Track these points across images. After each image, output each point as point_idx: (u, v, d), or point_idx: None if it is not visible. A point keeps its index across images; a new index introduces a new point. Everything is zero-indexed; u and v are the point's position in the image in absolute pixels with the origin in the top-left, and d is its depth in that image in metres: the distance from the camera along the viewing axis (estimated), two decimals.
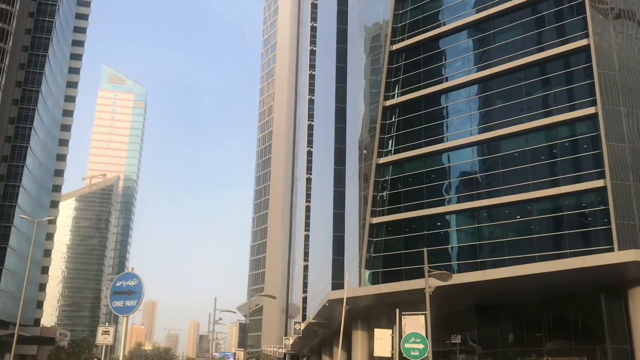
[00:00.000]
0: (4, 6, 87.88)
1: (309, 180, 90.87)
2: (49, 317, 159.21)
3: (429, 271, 22.57)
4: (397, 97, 44.75)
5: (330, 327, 49.81)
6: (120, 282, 8.97)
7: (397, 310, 15.85)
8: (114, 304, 8.93)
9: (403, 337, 15.24)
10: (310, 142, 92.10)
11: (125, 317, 8.99)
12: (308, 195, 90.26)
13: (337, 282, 55.46)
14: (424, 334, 15.98)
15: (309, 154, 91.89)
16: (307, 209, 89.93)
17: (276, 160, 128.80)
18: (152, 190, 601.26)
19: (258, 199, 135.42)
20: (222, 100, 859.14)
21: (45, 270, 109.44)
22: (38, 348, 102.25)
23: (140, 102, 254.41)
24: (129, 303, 8.76)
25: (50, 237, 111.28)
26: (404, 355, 15.11)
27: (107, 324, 28.22)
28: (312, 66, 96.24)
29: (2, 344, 77.17)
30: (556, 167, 36.53)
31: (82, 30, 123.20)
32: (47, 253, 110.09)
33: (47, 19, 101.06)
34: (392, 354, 15.17)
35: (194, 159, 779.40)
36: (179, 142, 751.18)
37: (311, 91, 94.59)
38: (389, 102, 44.64)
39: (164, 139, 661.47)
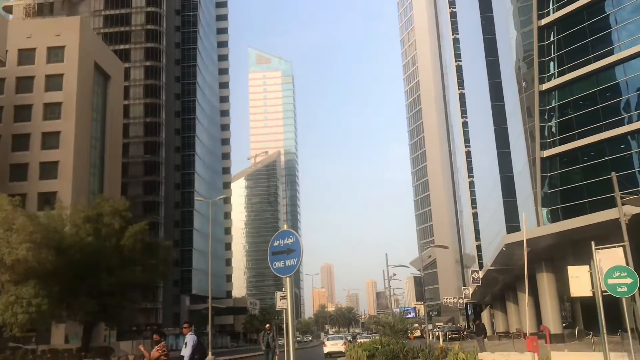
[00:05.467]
0: (153, 9, 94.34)
1: (465, 124, 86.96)
2: (239, 289, 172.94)
3: (621, 197, 19.76)
4: (553, 12, 40.14)
5: (511, 272, 47.24)
6: (278, 242, 8.37)
7: (592, 243, 13.75)
8: (275, 264, 8.33)
9: (604, 273, 13.17)
10: (460, 84, 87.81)
11: (287, 278, 8.32)
12: (466, 140, 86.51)
13: (512, 225, 52.41)
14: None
15: (461, 96, 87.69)
16: (468, 154, 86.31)
17: (427, 109, 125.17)
18: (311, 159, 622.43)
19: (414, 152, 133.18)
20: (364, 58, 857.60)
21: (228, 246, 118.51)
22: (234, 317, 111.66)
23: (287, 78, 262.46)
24: (289, 262, 8.13)
25: (227, 215, 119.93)
26: (608, 292, 13.05)
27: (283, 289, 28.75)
28: (452, 3, 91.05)
29: (203, 317, 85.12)
30: None
31: (224, 17, 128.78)
32: (227, 231, 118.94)
33: (191, 13, 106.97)
34: (593, 292, 13.19)
35: (346, 123, 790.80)
36: (328, 109, 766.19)
37: (454, 30, 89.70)
38: (544, 21, 40.21)
39: (314, 107, 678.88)
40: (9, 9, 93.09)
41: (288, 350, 8.72)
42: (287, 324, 22.67)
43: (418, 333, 73.91)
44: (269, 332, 23.36)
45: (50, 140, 62.76)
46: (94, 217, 43.02)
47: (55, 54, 65.65)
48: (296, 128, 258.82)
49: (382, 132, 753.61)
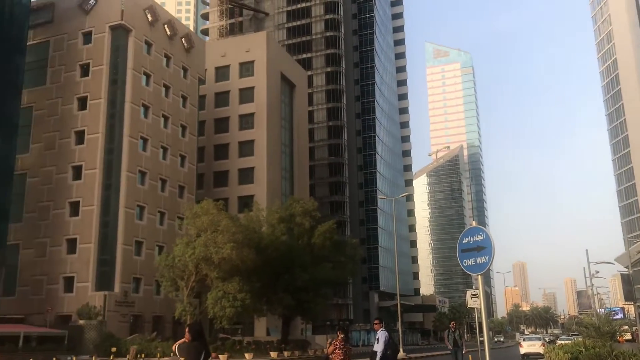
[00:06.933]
0: (331, 16, 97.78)
1: None
2: (427, 286, 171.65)
3: None
4: None
5: None
6: (467, 239, 8.19)
7: None
8: (465, 262, 8.16)
9: None
10: None
11: (479, 276, 8.07)
12: None
13: None
14: None
15: None
16: None
17: (628, 90, 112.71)
18: (496, 151, 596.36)
19: (614, 138, 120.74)
20: (550, 40, 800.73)
21: (413, 244, 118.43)
22: (423, 315, 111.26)
23: (467, 69, 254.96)
24: (480, 260, 7.90)
25: (411, 213, 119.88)
26: None
27: (474, 287, 27.94)
28: None
29: (392, 314, 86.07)
30: None
31: (399, 15, 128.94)
32: (412, 228, 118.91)
33: (367, 15, 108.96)
34: None
35: (534, 111, 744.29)
36: (513, 98, 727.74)
37: None
38: None
39: (496, 98, 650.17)
40: (205, 32, 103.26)
41: (484, 350, 8.44)
42: (480, 323, 22.12)
43: (629, 336, 66.93)
44: (454, 330, 22.77)
45: (246, 148, 68.20)
46: (286, 218, 45.93)
47: (246, 68, 71.21)
48: (479, 120, 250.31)
49: (577, 117, 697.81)
